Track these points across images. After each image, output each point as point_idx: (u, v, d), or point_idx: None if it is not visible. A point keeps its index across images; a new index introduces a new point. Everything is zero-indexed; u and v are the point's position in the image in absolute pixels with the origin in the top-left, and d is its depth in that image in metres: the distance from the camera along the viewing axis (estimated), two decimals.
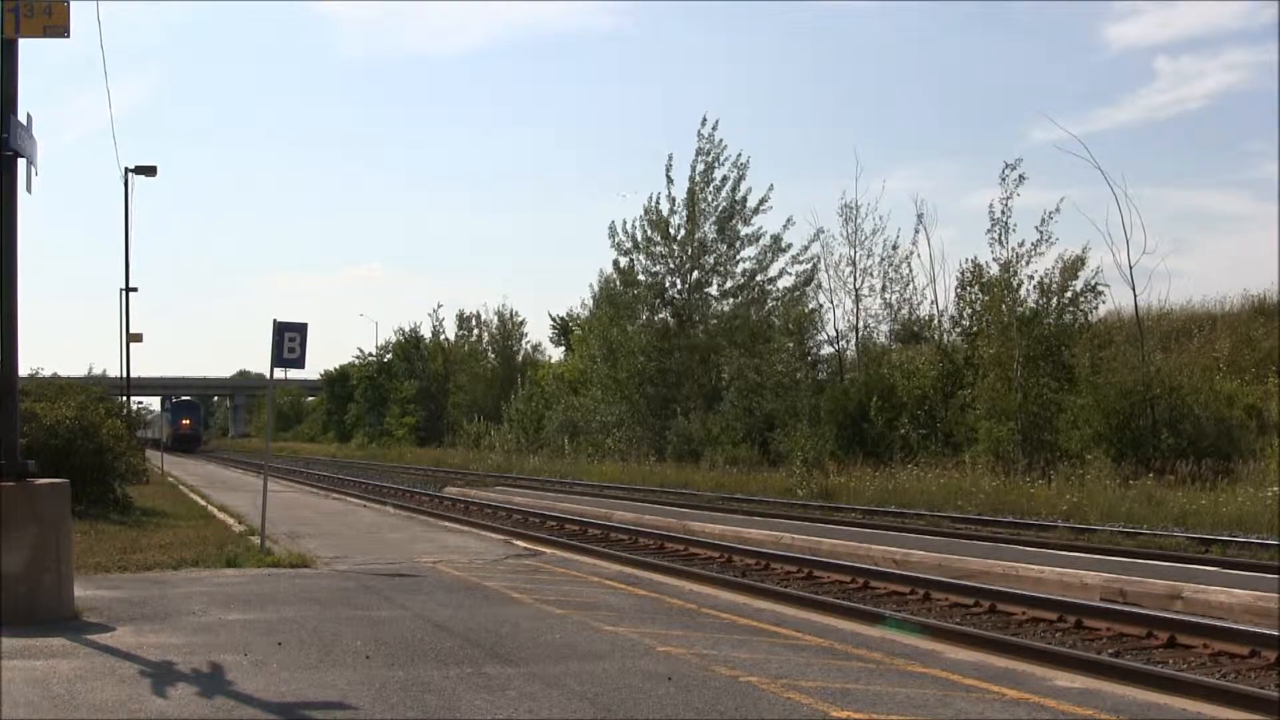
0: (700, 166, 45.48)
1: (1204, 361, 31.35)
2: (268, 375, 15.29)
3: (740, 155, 45.21)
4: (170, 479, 37.17)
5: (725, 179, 45.21)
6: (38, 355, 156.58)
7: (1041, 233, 30.86)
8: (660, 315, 46.71)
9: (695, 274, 46.11)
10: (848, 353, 40.06)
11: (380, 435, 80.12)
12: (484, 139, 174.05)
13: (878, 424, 34.29)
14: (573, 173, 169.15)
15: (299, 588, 11.43)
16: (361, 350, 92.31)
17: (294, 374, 18.31)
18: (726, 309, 45.89)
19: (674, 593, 11.60)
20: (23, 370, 11.66)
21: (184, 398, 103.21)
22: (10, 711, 6.24)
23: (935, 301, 39.64)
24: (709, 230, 45.64)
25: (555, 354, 72.47)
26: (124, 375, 40.92)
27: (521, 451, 51.42)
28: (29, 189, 9.32)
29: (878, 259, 38.76)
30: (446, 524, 21.38)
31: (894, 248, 38.58)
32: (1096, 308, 31.11)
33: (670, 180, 46.20)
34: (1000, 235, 31.62)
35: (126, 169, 36.69)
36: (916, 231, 38.56)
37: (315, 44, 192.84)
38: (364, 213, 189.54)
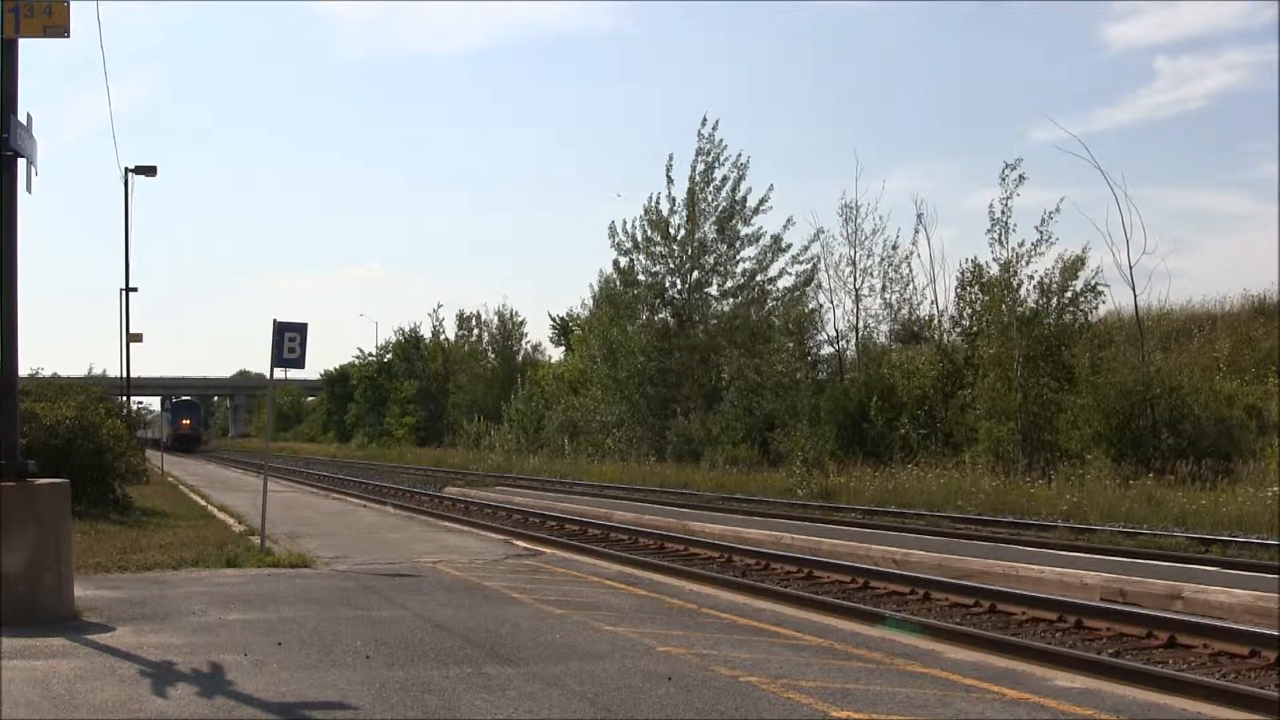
0: (700, 166, 45.55)
1: (1204, 361, 31.35)
2: (268, 375, 15.29)
3: (740, 155, 45.35)
4: (170, 479, 37.18)
5: (725, 179, 45.27)
6: (38, 355, 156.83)
7: (1041, 233, 30.94)
8: (660, 315, 46.69)
9: (695, 274, 46.12)
10: (848, 353, 40.08)
11: (380, 435, 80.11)
12: (484, 139, 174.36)
13: (878, 424, 34.29)
14: (573, 173, 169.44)
15: (299, 588, 11.43)
16: (361, 350, 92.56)
17: (294, 374, 18.33)
18: (726, 309, 45.89)
19: (674, 593, 11.60)
20: (23, 370, 11.67)
21: (184, 398, 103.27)
22: (10, 711, 6.24)
23: (935, 301, 39.70)
24: (709, 230, 45.64)
25: (555, 354, 72.62)
26: (124, 375, 40.98)
27: (521, 451, 51.42)
28: (29, 189, 9.34)
29: (878, 259, 38.86)
30: (446, 524, 21.38)
31: (894, 248, 38.68)
32: (1096, 308, 31.19)
33: (670, 180, 46.32)
34: (1000, 235, 31.68)
35: (126, 169, 36.76)
36: (916, 231, 38.68)
37: (315, 44, 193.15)
38: (364, 213, 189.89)
